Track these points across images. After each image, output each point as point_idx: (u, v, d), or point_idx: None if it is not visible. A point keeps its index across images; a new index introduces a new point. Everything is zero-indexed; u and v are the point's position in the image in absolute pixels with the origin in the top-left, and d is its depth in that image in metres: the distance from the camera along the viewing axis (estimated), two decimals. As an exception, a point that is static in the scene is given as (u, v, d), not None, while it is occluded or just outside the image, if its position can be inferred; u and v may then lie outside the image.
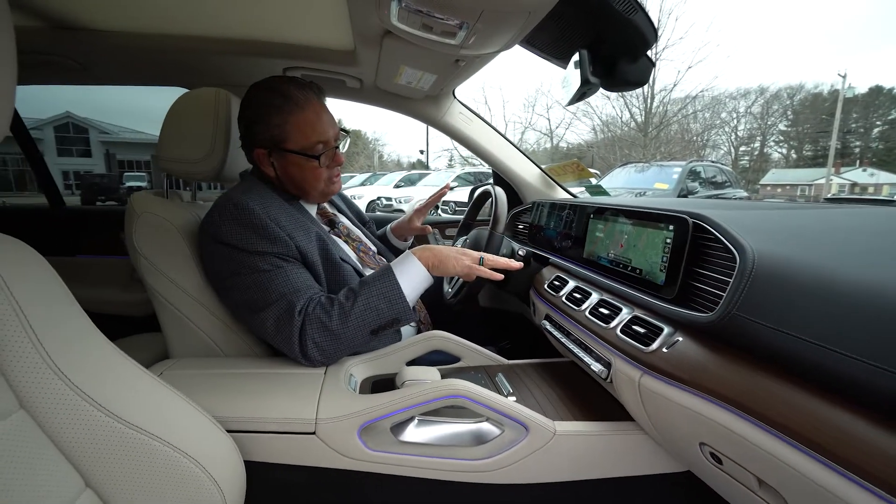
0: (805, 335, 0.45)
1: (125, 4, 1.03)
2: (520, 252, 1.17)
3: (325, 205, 1.09)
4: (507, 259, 0.94)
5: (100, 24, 1.13)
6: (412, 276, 0.85)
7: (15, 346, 0.42)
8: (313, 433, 0.70)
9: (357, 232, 1.14)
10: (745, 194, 9.18)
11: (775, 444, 0.46)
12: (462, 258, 0.89)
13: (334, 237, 1.00)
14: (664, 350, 0.63)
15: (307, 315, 0.79)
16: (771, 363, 0.50)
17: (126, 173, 20.34)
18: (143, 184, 17.41)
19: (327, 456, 0.71)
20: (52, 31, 1.13)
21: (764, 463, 0.48)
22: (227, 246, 0.81)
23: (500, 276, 0.91)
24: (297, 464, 0.71)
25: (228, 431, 0.64)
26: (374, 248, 1.15)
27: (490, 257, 0.92)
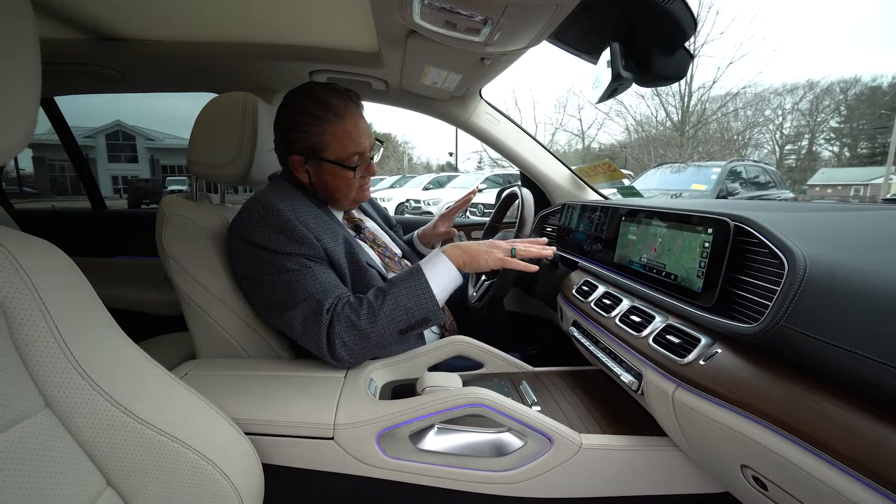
0: (865, 351, 0.40)
1: (160, 14, 1.07)
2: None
3: (352, 210, 1.09)
4: (539, 246, 0.90)
5: (137, 34, 1.18)
6: (442, 275, 0.84)
7: (41, 346, 0.43)
8: (331, 438, 0.69)
9: (383, 237, 1.14)
10: (792, 195, 8.69)
11: (833, 473, 0.41)
12: (494, 251, 0.86)
13: (360, 242, 1.00)
14: (701, 362, 0.59)
15: (336, 314, 0.78)
16: (825, 381, 0.45)
17: (169, 178, 21.36)
18: (184, 187, 18.20)
19: (344, 462, 0.70)
20: (95, 43, 1.19)
21: (817, 493, 0.43)
22: (255, 246, 0.82)
23: (535, 268, 0.87)
24: (314, 469, 0.71)
25: (247, 434, 0.64)
26: (399, 252, 1.15)
27: (522, 246, 0.88)
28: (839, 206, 0.98)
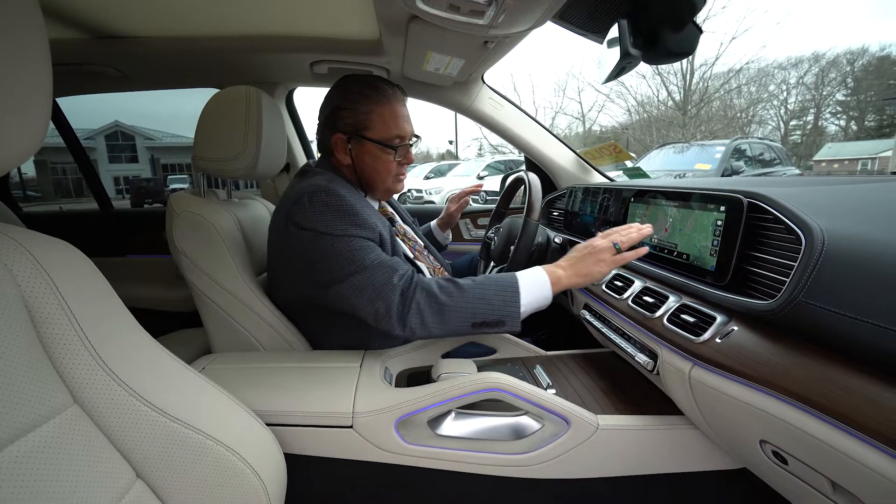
0: (888, 324, 0.40)
1: (158, 10, 1.06)
2: (556, 240, 1.14)
3: (385, 203, 1.09)
4: (637, 228, 0.82)
5: (137, 32, 1.17)
6: (535, 291, 0.80)
7: (66, 344, 0.44)
8: (350, 426, 0.70)
9: (410, 231, 1.16)
10: (798, 172, 8.56)
11: (856, 445, 0.41)
12: (602, 256, 0.80)
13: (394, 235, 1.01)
14: (717, 340, 0.59)
15: (418, 283, 0.78)
16: (846, 355, 0.45)
17: (170, 176, 21.32)
18: (185, 185, 18.21)
19: (365, 449, 0.71)
20: (95, 42, 1.19)
21: (839, 465, 0.44)
22: (316, 233, 0.81)
23: (646, 250, 0.82)
24: (335, 457, 0.72)
25: (268, 425, 0.65)
26: (421, 242, 1.17)
27: (623, 238, 0.81)
28: (854, 179, 0.97)
